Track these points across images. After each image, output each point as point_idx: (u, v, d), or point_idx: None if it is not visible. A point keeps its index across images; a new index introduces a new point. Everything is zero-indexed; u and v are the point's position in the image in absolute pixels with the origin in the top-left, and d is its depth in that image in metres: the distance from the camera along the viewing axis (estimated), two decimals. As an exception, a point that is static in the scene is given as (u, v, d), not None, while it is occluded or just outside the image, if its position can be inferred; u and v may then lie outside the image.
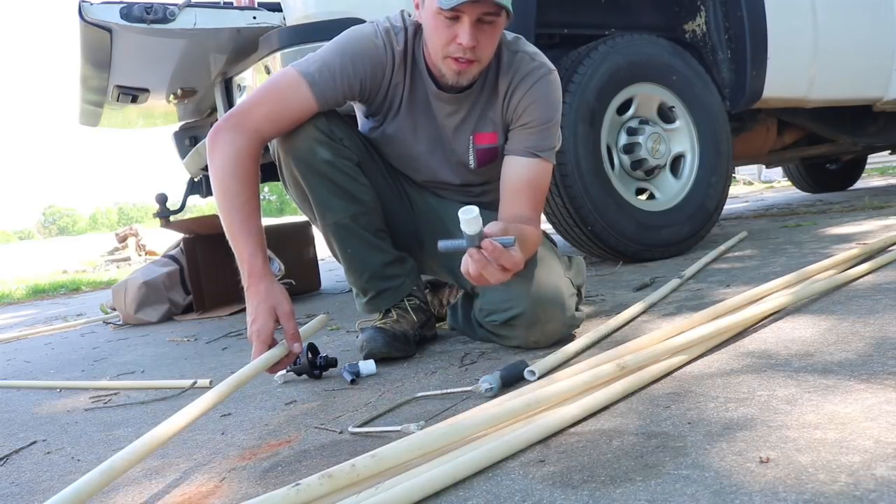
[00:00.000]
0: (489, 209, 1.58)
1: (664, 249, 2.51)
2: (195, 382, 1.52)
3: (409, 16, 1.44)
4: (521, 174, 1.42)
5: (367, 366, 1.40)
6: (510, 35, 1.47)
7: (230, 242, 1.32)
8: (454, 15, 1.27)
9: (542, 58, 1.45)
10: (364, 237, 1.49)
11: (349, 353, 1.66)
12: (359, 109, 1.57)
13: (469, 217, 1.05)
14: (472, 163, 1.51)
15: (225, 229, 1.32)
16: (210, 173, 1.34)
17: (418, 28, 1.41)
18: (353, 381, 1.36)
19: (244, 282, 1.30)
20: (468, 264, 1.12)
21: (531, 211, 1.41)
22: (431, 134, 1.50)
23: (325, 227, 1.49)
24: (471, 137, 1.49)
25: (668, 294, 1.77)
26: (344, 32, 1.43)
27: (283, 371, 1.43)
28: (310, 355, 1.43)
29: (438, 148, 1.52)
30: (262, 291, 1.27)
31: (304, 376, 1.44)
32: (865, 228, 2.58)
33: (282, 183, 1.54)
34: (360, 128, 1.58)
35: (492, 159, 1.51)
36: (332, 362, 1.45)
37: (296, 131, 1.41)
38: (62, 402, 1.62)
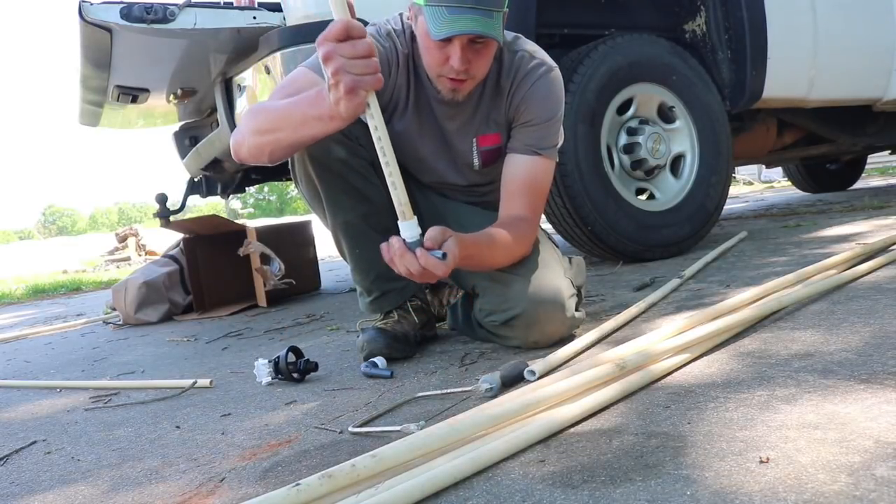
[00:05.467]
0: (491, 208, 1.58)
1: (664, 249, 2.50)
2: (195, 382, 1.52)
3: (408, 18, 1.44)
4: (522, 172, 1.43)
5: (381, 361, 1.41)
6: (510, 35, 1.47)
7: (291, 123, 1.16)
8: (446, 39, 1.27)
9: (543, 55, 1.46)
10: (373, 237, 1.49)
11: (349, 353, 1.66)
12: None
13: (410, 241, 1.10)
14: (476, 164, 1.51)
15: (283, 128, 1.19)
16: (249, 142, 1.25)
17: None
18: (374, 369, 1.38)
19: (325, 106, 1.10)
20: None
21: (529, 211, 1.42)
22: (436, 136, 1.50)
23: (336, 225, 1.49)
24: (474, 140, 1.49)
25: (668, 294, 1.77)
26: None
27: (268, 373, 1.44)
28: (292, 357, 1.43)
29: (443, 150, 1.52)
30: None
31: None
32: (865, 228, 2.58)
33: (293, 179, 1.54)
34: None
35: (496, 159, 1.52)
36: (311, 367, 1.44)
37: None
38: (62, 402, 1.62)
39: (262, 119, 1.24)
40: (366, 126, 1.49)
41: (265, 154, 1.27)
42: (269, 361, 1.45)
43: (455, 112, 1.46)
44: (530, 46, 1.46)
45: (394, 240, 1.12)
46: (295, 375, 1.42)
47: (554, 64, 1.46)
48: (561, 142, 1.50)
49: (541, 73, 1.43)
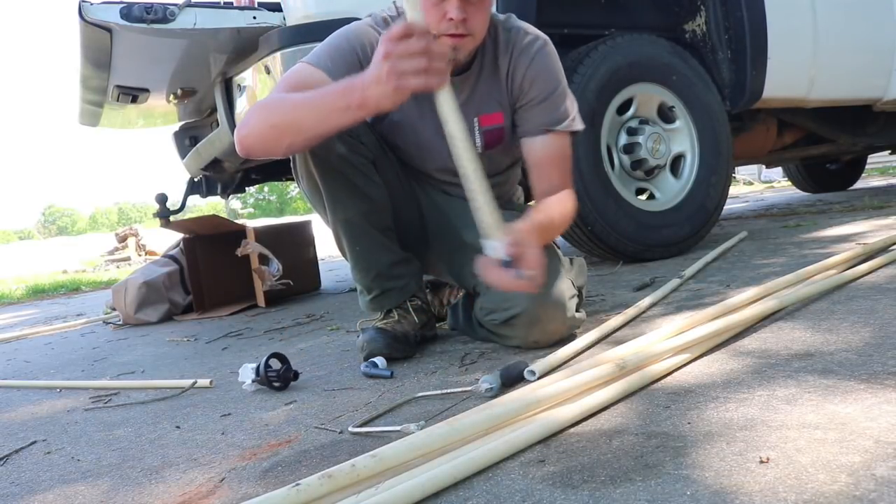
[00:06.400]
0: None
1: (664, 249, 2.50)
2: (195, 382, 1.52)
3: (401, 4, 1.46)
4: (541, 152, 1.46)
5: (381, 361, 1.41)
6: (502, 15, 1.50)
7: (315, 114, 1.18)
8: None
9: (535, 30, 1.49)
10: (373, 235, 1.49)
11: (349, 353, 1.66)
12: None
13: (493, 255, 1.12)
14: (479, 145, 1.52)
15: (305, 120, 1.20)
16: (265, 135, 1.26)
17: None
18: (374, 369, 1.37)
19: (354, 97, 1.12)
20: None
21: (560, 181, 1.46)
22: (436, 118, 1.50)
23: (336, 222, 1.49)
24: (475, 120, 1.49)
25: (668, 294, 1.77)
26: (342, 27, 1.45)
27: (251, 380, 1.39)
28: (278, 364, 1.38)
29: (444, 132, 1.51)
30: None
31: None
32: (865, 228, 2.58)
33: (294, 176, 1.54)
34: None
35: (498, 140, 1.52)
36: (290, 376, 1.39)
37: None
38: (62, 402, 1.62)
39: (280, 112, 1.25)
40: (366, 124, 1.50)
41: (282, 146, 1.28)
42: (254, 368, 1.40)
43: (455, 91, 1.46)
44: (522, 23, 1.49)
45: (485, 259, 1.14)
46: (276, 384, 1.38)
47: (546, 37, 1.49)
48: (575, 110, 1.50)
49: (538, 48, 1.46)
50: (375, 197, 1.48)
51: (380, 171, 1.50)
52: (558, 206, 1.43)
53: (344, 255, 1.56)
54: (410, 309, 1.55)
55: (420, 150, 1.55)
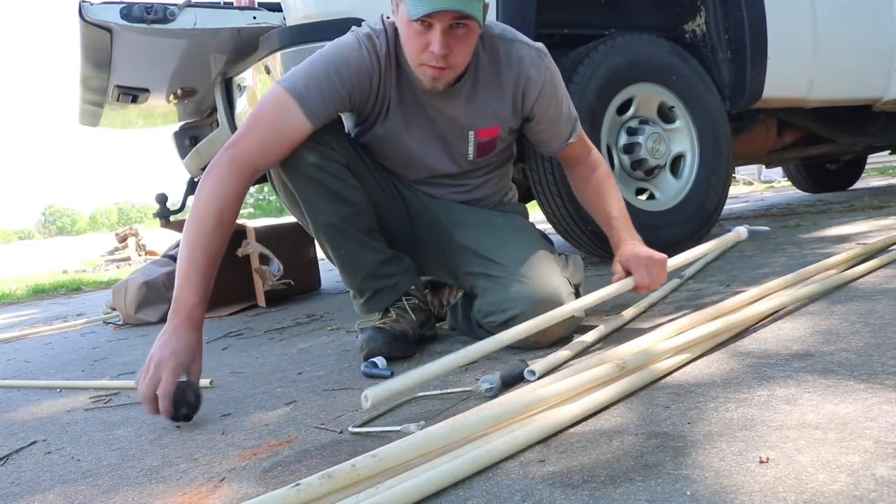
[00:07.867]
0: (483, 205, 1.59)
1: (664, 249, 2.50)
2: (195, 382, 1.52)
3: (388, 18, 1.44)
4: (571, 153, 1.58)
5: (381, 361, 1.41)
6: (497, 27, 1.48)
7: (180, 274, 1.25)
8: (426, 23, 1.27)
9: (532, 42, 1.49)
10: (357, 237, 1.49)
11: (349, 353, 1.66)
12: (348, 118, 1.57)
13: None
14: (471, 154, 1.52)
15: (182, 260, 1.26)
16: (194, 201, 1.30)
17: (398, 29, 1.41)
18: (374, 369, 1.37)
19: (175, 319, 1.22)
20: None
21: (588, 155, 1.59)
22: (425, 130, 1.50)
23: (317, 229, 1.49)
24: (470, 133, 1.49)
25: (668, 294, 1.78)
26: (326, 45, 1.42)
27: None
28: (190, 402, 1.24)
29: (433, 143, 1.51)
30: (194, 341, 1.23)
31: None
32: (865, 228, 2.58)
33: (272, 187, 1.54)
34: (348, 131, 1.58)
35: (491, 150, 1.53)
36: (180, 413, 1.23)
37: None
38: (62, 402, 1.62)
39: (198, 232, 1.27)
40: (337, 130, 1.50)
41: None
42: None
43: (448, 103, 1.46)
44: (519, 35, 1.49)
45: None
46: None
47: (540, 46, 1.49)
48: (573, 110, 1.57)
49: (546, 65, 1.47)
50: (354, 200, 1.46)
51: (355, 175, 1.48)
52: (608, 185, 1.57)
53: (331, 261, 1.56)
54: (408, 308, 1.55)
55: (404, 161, 1.54)
